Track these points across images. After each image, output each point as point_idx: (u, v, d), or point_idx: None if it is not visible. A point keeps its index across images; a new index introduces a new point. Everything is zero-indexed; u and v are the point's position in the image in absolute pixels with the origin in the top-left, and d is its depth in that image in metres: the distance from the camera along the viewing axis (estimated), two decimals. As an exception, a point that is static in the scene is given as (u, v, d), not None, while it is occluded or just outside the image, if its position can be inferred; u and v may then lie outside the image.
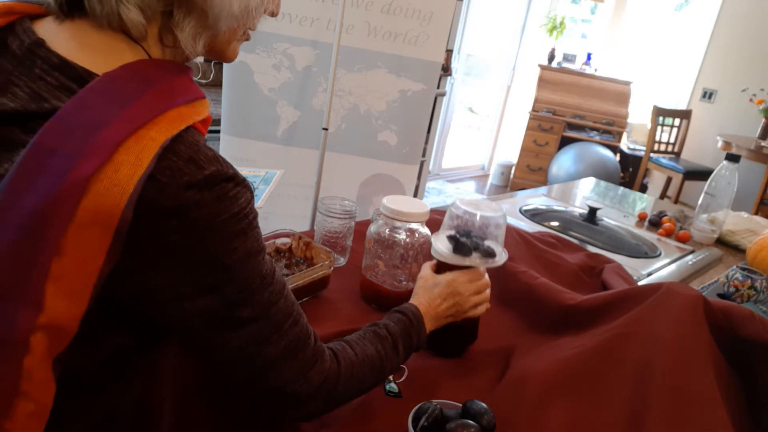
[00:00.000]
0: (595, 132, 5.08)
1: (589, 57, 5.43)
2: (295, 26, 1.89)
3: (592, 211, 1.71)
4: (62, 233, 0.48)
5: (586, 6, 5.88)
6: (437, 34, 1.94)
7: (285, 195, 2.06)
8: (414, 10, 1.90)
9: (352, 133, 2.03)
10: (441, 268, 0.93)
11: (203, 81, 2.85)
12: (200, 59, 2.83)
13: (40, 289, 0.48)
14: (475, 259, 0.90)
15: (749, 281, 1.25)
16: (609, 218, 1.77)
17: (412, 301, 0.87)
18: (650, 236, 1.69)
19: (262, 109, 1.97)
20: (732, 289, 1.26)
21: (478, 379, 0.89)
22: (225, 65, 1.94)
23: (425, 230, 1.05)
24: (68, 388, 0.55)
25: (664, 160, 4.81)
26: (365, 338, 0.76)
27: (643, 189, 5.09)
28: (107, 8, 0.54)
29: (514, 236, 1.28)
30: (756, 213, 3.94)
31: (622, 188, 2.35)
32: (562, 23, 5.30)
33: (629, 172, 5.20)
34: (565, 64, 5.38)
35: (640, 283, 1.28)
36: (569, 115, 5.09)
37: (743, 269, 1.28)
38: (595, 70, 5.40)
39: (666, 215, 1.84)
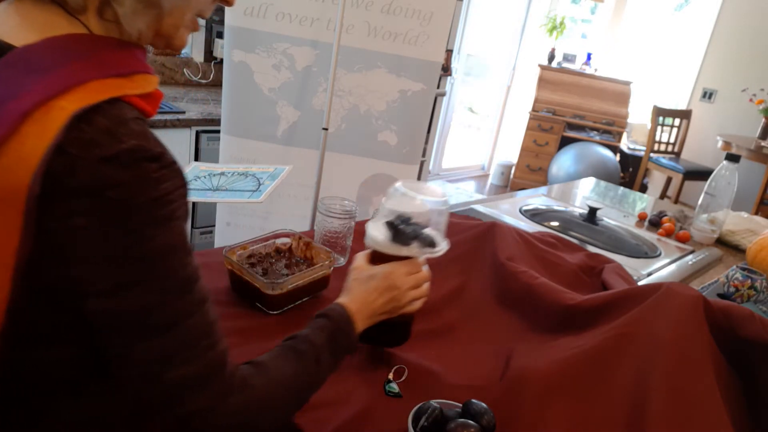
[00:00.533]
0: (595, 132, 5.08)
1: (589, 57, 5.43)
2: (295, 26, 1.89)
3: (592, 211, 1.71)
4: None
5: (586, 6, 5.88)
6: (437, 34, 1.94)
7: (285, 195, 2.06)
8: (414, 10, 1.90)
9: (352, 133, 2.03)
10: (376, 258, 0.84)
11: (203, 81, 2.85)
12: (199, 59, 2.83)
13: None
14: (414, 248, 0.82)
15: (749, 281, 1.25)
16: (609, 218, 1.77)
17: (342, 297, 0.79)
18: (650, 236, 1.69)
19: (262, 109, 1.97)
20: (732, 289, 1.26)
21: (478, 379, 0.89)
22: (225, 65, 1.94)
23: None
24: (43, 389, 0.54)
25: (664, 160, 4.81)
26: (281, 356, 0.68)
27: (643, 189, 5.09)
28: None
29: (514, 236, 1.28)
30: (756, 213, 3.94)
31: (622, 188, 2.35)
32: (562, 23, 5.30)
33: (629, 172, 5.20)
34: (565, 64, 5.38)
35: (640, 283, 1.28)
36: (569, 115, 5.09)
37: (743, 269, 1.28)
38: (595, 70, 5.40)
39: (666, 215, 1.84)
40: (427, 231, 0.84)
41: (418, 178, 2.76)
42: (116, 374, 0.56)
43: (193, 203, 2.30)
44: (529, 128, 5.13)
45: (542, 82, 5.15)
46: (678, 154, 4.99)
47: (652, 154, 4.84)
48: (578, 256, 1.35)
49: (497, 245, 1.23)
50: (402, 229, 0.81)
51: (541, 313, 1.05)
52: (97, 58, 0.53)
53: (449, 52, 3.13)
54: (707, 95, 5.07)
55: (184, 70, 2.79)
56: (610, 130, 5.06)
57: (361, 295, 0.79)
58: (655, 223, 1.81)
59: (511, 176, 5.39)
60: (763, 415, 0.85)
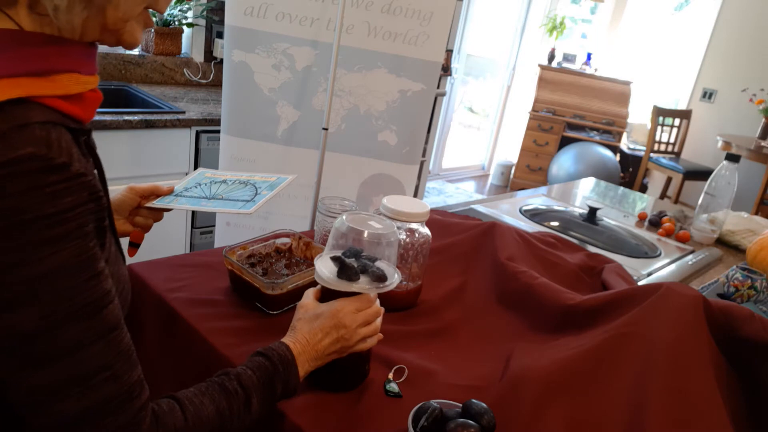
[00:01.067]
0: (595, 132, 5.08)
1: (589, 57, 5.43)
2: (295, 26, 1.89)
3: (592, 211, 1.71)
4: None
5: (586, 6, 5.88)
6: (437, 34, 1.94)
7: (285, 195, 2.06)
8: (414, 10, 1.90)
9: (352, 133, 2.03)
10: (326, 294, 0.80)
11: (203, 81, 2.85)
12: (199, 59, 2.83)
13: None
14: (363, 284, 0.77)
15: (749, 281, 1.25)
16: (609, 218, 1.77)
17: (287, 337, 0.75)
18: (650, 236, 1.69)
19: (262, 109, 1.97)
20: (732, 289, 1.26)
21: (478, 379, 0.89)
22: (225, 65, 1.94)
23: (425, 230, 1.05)
24: None
25: (664, 160, 4.81)
26: (206, 394, 0.63)
27: (643, 189, 5.09)
28: None
29: (514, 236, 1.28)
30: (756, 213, 3.94)
31: (622, 188, 2.35)
32: (562, 23, 5.30)
33: (629, 172, 5.20)
34: (565, 64, 5.38)
35: (640, 283, 1.28)
36: (569, 115, 5.09)
37: (743, 269, 1.28)
38: (595, 70, 5.40)
39: (666, 215, 1.84)
40: (378, 264, 0.80)
41: (418, 178, 2.76)
42: (11, 401, 0.51)
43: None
44: (529, 128, 5.14)
45: (542, 82, 5.15)
46: (678, 154, 4.99)
47: (652, 154, 4.84)
48: (578, 256, 1.35)
49: (497, 245, 1.23)
50: (349, 264, 0.77)
51: (541, 313, 1.05)
52: (12, 55, 0.49)
53: (449, 52, 3.13)
54: (707, 95, 5.07)
55: (184, 70, 2.79)
56: (610, 130, 5.06)
57: (305, 335, 0.75)
58: (655, 223, 1.81)
59: (511, 176, 5.39)
60: (763, 415, 0.85)
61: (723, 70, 4.95)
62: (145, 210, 0.97)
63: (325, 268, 0.79)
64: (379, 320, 0.82)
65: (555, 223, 1.68)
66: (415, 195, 2.75)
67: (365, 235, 0.80)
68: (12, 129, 0.45)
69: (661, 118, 4.80)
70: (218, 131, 2.15)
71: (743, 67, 4.82)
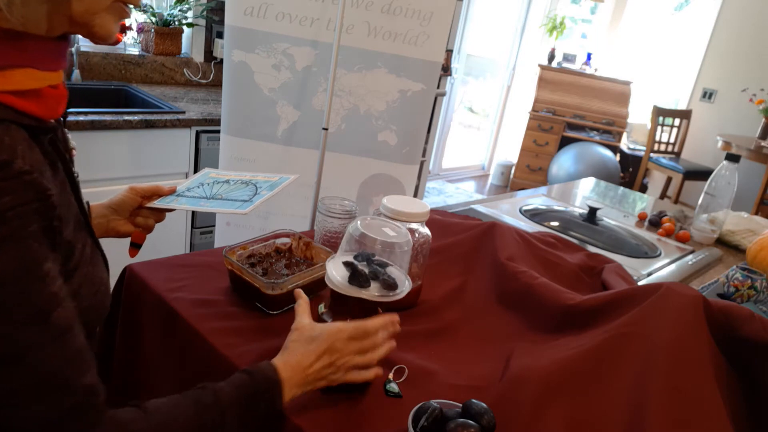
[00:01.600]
0: (595, 132, 5.08)
1: (589, 57, 5.43)
2: (295, 26, 1.89)
3: (592, 211, 1.71)
4: None
5: (586, 6, 5.88)
6: (437, 34, 1.94)
7: (285, 195, 2.05)
8: (414, 10, 1.89)
9: (352, 133, 2.03)
10: (335, 298, 0.80)
11: (203, 81, 2.85)
12: (199, 59, 2.83)
13: None
14: (373, 291, 0.77)
15: (749, 281, 1.25)
16: (609, 218, 1.77)
17: (278, 357, 0.72)
18: (650, 236, 1.69)
19: (262, 109, 1.97)
20: (732, 289, 1.26)
21: (478, 379, 0.89)
22: (225, 65, 1.94)
23: (425, 230, 1.05)
24: None
25: (664, 160, 4.81)
26: (178, 406, 0.60)
27: (643, 189, 5.09)
28: None
29: (514, 236, 1.28)
30: (756, 213, 3.94)
31: (622, 188, 2.35)
32: (562, 23, 5.30)
33: (629, 172, 5.20)
34: (565, 64, 5.38)
35: (640, 283, 1.28)
36: (569, 115, 5.09)
37: (743, 269, 1.28)
38: (595, 70, 5.40)
39: (666, 215, 1.84)
40: (389, 270, 0.79)
41: (418, 179, 2.76)
42: None
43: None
44: (529, 128, 5.14)
45: (542, 82, 5.15)
46: (678, 154, 4.99)
47: (652, 154, 4.84)
48: (578, 256, 1.35)
49: (497, 245, 1.23)
50: (360, 271, 0.76)
51: (541, 313, 1.05)
52: None
53: (449, 52, 3.13)
54: (707, 95, 5.07)
55: (184, 70, 2.79)
56: (610, 130, 5.06)
57: (298, 357, 0.71)
58: (655, 223, 1.81)
59: (511, 176, 5.39)
60: (763, 415, 0.85)
61: (723, 70, 4.95)
62: (146, 210, 0.97)
63: (336, 272, 0.78)
64: (380, 351, 0.77)
65: (555, 223, 1.68)
66: (415, 195, 2.75)
67: (378, 242, 0.79)
68: None
69: (661, 118, 4.80)
70: (218, 131, 2.15)
71: (743, 67, 4.82)
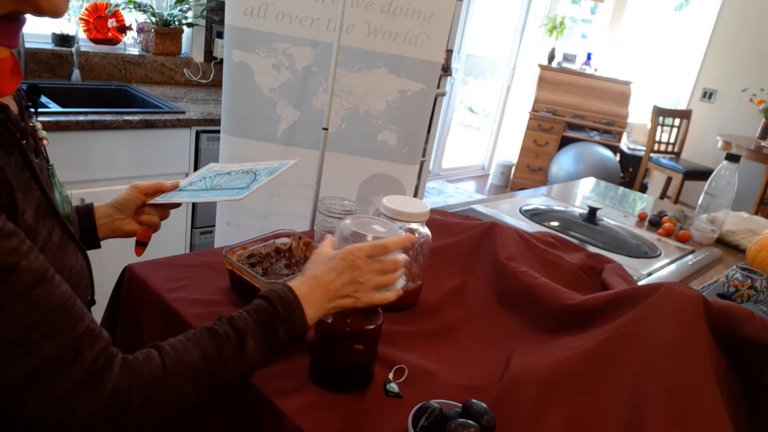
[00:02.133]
0: (595, 132, 5.09)
1: (589, 57, 5.43)
2: (295, 26, 1.89)
3: (592, 211, 1.71)
4: None
5: (586, 6, 5.88)
6: (437, 34, 1.94)
7: (285, 195, 2.06)
8: (414, 10, 1.89)
9: (352, 133, 2.03)
10: None
11: (203, 81, 2.85)
12: (199, 59, 2.83)
13: None
14: None
15: (749, 281, 1.25)
16: (609, 218, 1.77)
17: (293, 279, 0.72)
18: (650, 236, 1.69)
19: (262, 109, 1.97)
20: (732, 289, 1.26)
21: (478, 379, 0.89)
22: (225, 65, 1.94)
23: (425, 230, 1.05)
24: None
25: (664, 160, 4.81)
26: (192, 339, 0.61)
27: (643, 189, 5.09)
28: None
29: (514, 236, 1.28)
30: (756, 213, 3.94)
31: (622, 188, 2.35)
32: (562, 23, 5.30)
33: (629, 172, 5.20)
34: (565, 64, 5.38)
35: (640, 283, 1.28)
36: (569, 115, 5.09)
37: (743, 269, 1.28)
38: (595, 70, 5.41)
39: (666, 215, 1.84)
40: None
41: (418, 178, 2.76)
42: None
43: (193, 204, 2.30)
44: (529, 128, 5.14)
45: (542, 82, 5.15)
46: (678, 154, 4.99)
47: (652, 154, 4.85)
48: (578, 256, 1.35)
49: (497, 245, 1.23)
50: None
51: (541, 313, 1.05)
52: None
53: (449, 52, 3.13)
54: (707, 95, 5.07)
55: (184, 70, 2.79)
56: (610, 130, 5.06)
57: (316, 274, 0.71)
58: (655, 223, 1.81)
59: (511, 176, 5.39)
60: (763, 415, 0.85)
61: (723, 70, 4.95)
62: (150, 208, 0.97)
63: None
64: (399, 273, 0.77)
65: (555, 223, 1.68)
66: (415, 195, 2.75)
67: (369, 239, 0.79)
68: None
69: (661, 118, 4.80)
70: (218, 131, 2.15)
71: (743, 67, 4.82)
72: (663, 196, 5.01)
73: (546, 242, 1.37)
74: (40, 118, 0.71)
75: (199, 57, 2.84)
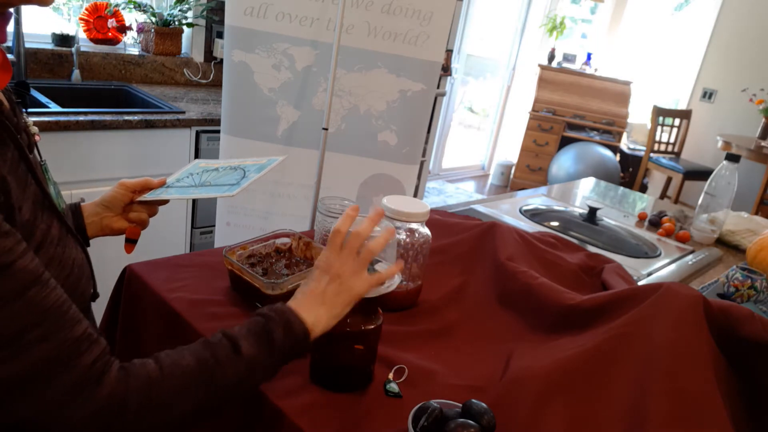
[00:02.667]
0: (595, 132, 5.09)
1: (589, 57, 5.43)
2: (295, 26, 1.89)
3: (592, 211, 1.71)
4: None
5: (586, 6, 5.88)
6: (437, 34, 1.94)
7: (285, 195, 2.06)
8: (414, 10, 1.89)
9: (352, 133, 2.03)
10: None
11: (203, 81, 2.85)
12: (199, 59, 2.83)
13: None
14: None
15: (749, 281, 1.25)
16: (609, 218, 1.77)
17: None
18: (650, 236, 1.69)
19: (262, 109, 1.97)
20: (732, 289, 1.26)
21: (478, 379, 0.89)
22: (225, 65, 1.94)
23: (425, 230, 1.05)
24: None
25: (664, 160, 4.81)
26: (187, 348, 0.62)
27: (643, 189, 5.09)
28: None
29: (514, 236, 1.28)
30: (756, 213, 3.94)
31: (622, 188, 2.35)
32: (562, 23, 5.30)
33: (629, 172, 5.20)
34: (565, 64, 5.38)
35: (640, 283, 1.28)
36: (569, 115, 5.09)
37: (743, 269, 1.28)
38: (595, 70, 5.41)
39: (666, 215, 1.84)
40: (378, 266, 0.81)
41: (418, 178, 2.76)
42: None
43: (194, 201, 2.30)
44: (529, 128, 5.14)
45: (542, 82, 5.15)
46: (678, 154, 4.99)
47: (652, 154, 4.85)
48: (578, 256, 1.35)
49: (497, 245, 1.23)
50: None
51: (541, 313, 1.05)
52: None
53: (449, 52, 3.13)
54: (707, 95, 5.07)
55: (184, 70, 2.79)
56: (610, 130, 5.06)
57: (302, 290, 0.73)
58: (655, 223, 1.81)
59: (511, 176, 5.39)
60: (763, 416, 0.85)
61: (723, 70, 4.95)
62: (138, 205, 0.97)
63: None
64: (377, 241, 0.75)
65: (555, 223, 1.68)
66: (415, 195, 2.75)
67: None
68: None
69: (661, 118, 4.80)
70: (218, 131, 2.15)
71: (743, 67, 4.82)
72: (663, 196, 5.01)
73: (546, 242, 1.37)
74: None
75: (199, 57, 2.84)
